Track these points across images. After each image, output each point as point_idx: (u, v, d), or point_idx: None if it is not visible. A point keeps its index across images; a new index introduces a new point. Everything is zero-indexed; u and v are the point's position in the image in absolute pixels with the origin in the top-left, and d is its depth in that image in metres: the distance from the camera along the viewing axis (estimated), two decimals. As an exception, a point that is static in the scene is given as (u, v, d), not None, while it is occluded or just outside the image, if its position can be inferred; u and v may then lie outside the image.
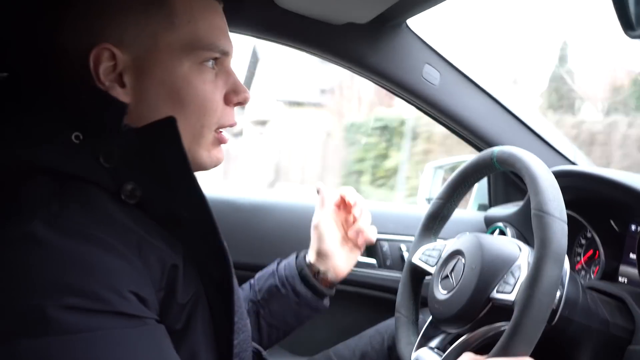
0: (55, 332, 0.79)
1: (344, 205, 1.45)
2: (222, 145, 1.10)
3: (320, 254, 1.42)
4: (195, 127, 1.03)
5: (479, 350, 1.15)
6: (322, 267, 1.42)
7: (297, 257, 1.47)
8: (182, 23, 1.00)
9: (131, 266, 0.87)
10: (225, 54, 1.06)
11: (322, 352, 1.54)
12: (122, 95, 0.97)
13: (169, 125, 0.94)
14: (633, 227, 1.44)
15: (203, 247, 0.98)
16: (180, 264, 0.95)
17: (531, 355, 1.03)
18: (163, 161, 0.95)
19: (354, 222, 1.44)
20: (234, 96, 1.09)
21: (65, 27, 0.97)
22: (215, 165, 1.09)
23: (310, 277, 1.41)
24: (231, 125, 1.10)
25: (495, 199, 2.14)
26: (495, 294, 1.13)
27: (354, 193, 1.43)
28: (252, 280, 1.49)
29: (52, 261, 0.82)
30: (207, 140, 1.05)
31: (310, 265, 1.43)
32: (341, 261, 1.43)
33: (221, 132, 1.09)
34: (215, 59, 1.04)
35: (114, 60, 0.96)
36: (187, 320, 0.95)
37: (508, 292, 1.11)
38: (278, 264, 1.48)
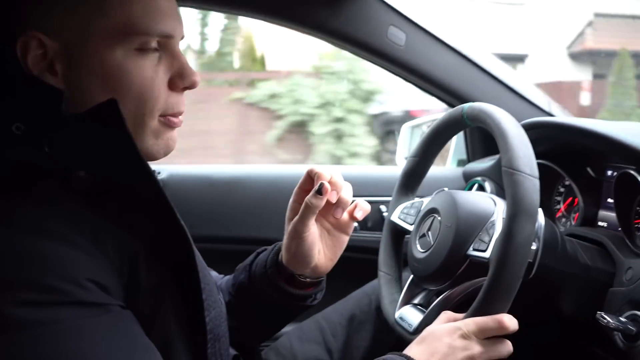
0: (15, 329, 0.79)
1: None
2: (173, 129, 1.03)
3: (296, 258, 1.26)
4: (135, 115, 0.96)
5: (461, 305, 1.16)
6: (298, 270, 1.28)
7: (271, 252, 1.33)
8: (114, 7, 0.94)
9: (87, 255, 0.86)
10: (167, 36, 0.99)
11: (310, 317, 1.55)
12: (53, 83, 0.93)
13: (110, 108, 0.90)
14: (609, 173, 1.46)
15: (161, 228, 0.96)
16: (141, 248, 0.93)
17: (516, 304, 1.05)
18: (109, 145, 0.92)
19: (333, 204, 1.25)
20: (180, 81, 1.01)
21: None
22: (164, 153, 1.03)
23: (277, 279, 1.28)
24: (177, 113, 1.03)
25: (473, 154, 2.14)
26: (471, 251, 1.15)
27: (326, 170, 1.23)
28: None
29: (4, 258, 0.82)
30: (150, 129, 0.99)
31: (283, 267, 1.29)
32: (323, 258, 1.29)
33: (168, 118, 1.02)
34: (158, 42, 0.98)
35: (43, 48, 0.92)
36: (155, 303, 0.94)
37: (483, 249, 1.12)
38: (257, 255, 1.37)
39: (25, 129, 0.90)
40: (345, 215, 1.28)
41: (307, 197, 1.20)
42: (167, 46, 1.00)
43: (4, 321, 0.79)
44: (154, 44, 0.97)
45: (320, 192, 1.19)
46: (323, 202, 1.20)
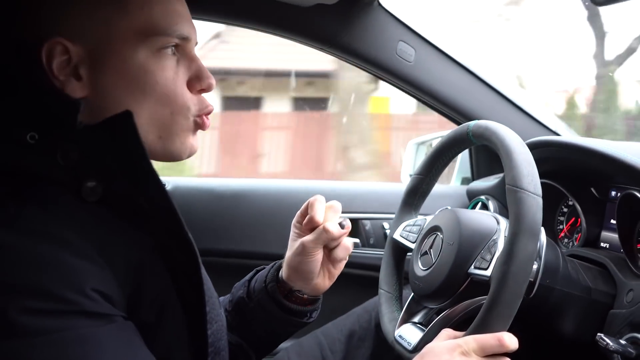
0: (18, 336, 0.79)
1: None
2: (197, 132, 1.06)
3: (298, 273, 1.29)
4: (163, 115, 0.99)
5: (461, 324, 1.16)
6: (297, 286, 1.31)
7: (271, 268, 1.35)
8: (136, 9, 0.96)
9: (94, 265, 0.86)
10: (185, 39, 1.02)
11: (309, 333, 1.54)
12: (78, 88, 0.94)
13: (125, 120, 0.91)
14: (613, 193, 1.45)
15: (168, 239, 0.96)
16: (147, 259, 0.93)
17: (514, 325, 1.04)
18: (122, 156, 0.92)
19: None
20: (197, 83, 1.04)
21: (18, 22, 0.94)
22: (189, 155, 1.06)
23: (277, 294, 1.30)
24: (208, 112, 1.06)
25: (478, 172, 2.14)
26: (473, 270, 1.14)
27: (322, 202, 1.28)
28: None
29: (11, 263, 0.82)
30: (181, 128, 1.02)
31: (282, 282, 1.31)
32: (321, 277, 1.31)
33: (202, 117, 1.05)
34: (176, 45, 1.01)
35: (68, 54, 0.93)
36: (158, 314, 0.94)
37: (485, 268, 1.11)
38: (256, 272, 1.39)
39: (39, 138, 0.90)
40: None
41: (329, 224, 1.24)
42: (184, 49, 1.03)
43: (9, 327, 0.79)
44: (172, 47, 1.00)
45: (342, 226, 1.25)
46: (340, 235, 1.25)
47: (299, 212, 1.31)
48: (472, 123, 1.24)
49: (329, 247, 1.29)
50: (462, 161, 2.27)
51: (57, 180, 0.91)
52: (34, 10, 0.94)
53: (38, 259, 0.83)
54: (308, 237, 1.26)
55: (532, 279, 1.16)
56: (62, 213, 0.88)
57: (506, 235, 1.09)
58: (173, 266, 0.97)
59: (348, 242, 1.30)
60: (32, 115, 0.92)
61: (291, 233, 1.32)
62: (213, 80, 1.05)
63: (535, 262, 1.15)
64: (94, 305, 0.84)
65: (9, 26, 0.95)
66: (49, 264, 0.83)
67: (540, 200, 1.05)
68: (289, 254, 1.30)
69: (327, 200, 1.28)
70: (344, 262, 1.33)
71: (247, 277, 1.38)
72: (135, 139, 0.91)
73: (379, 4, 1.76)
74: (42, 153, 0.91)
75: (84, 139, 0.92)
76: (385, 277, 1.38)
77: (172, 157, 1.04)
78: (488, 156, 2.10)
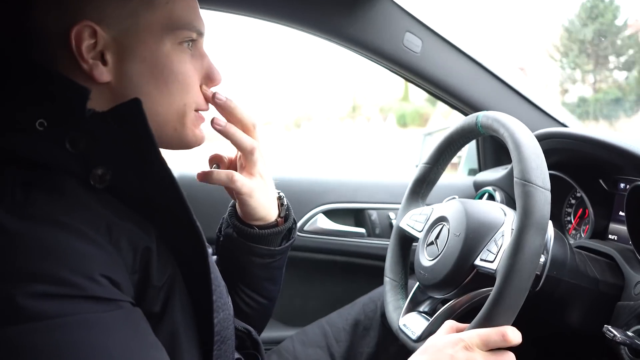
0: (26, 320, 0.79)
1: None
2: (202, 124, 1.09)
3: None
4: (179, 105, 1.03)
5: (466, 314, 1.16)
6: (247, 218, 1.29)
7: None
8: (161, 3, 0.99)
9: (102, 250, 0.86)
10: (201, 34, 1.06)
11: (314, 322, 1.54)
12: (104, 73, 0.96)
13: (134, 107, 0.92)
14: (622, 185, 1.44)
15: (175, 227, 0.97)
16: (154, 246, 0.93)
17: (521, 317, 1.04)
18: (131, 144, 0.93)
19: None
20: (210, 81, 1.09)
21: (44, 5, 0.94)
22: (199, 144, 1.09)
23: (234, 219, 1.31)
24: (204, 109, 1.09)
25: (485, 163, 2.14)
26: (478, 262, 1.14)
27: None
28: None
29: (20, 249, 0.82)
30: (190, 119, 1.05)
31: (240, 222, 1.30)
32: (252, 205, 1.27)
33: (199, 112, 1.08)
34: (192, 40, 1.04)
35: (94, 39, 0.95)
36: (164, 302, 0.95)
37: (490, 260, 1.11)
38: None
39: (48, 125, 0.91)
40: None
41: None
42: (197, 45, 1.07)
43: (18, 312, 0.79)
44: (190, 41, 1.04)
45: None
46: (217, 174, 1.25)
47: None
48: (480, 114, 1.23)
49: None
50: (469, 152, 2.26)
51: (65, 168, 0.91)
52: None
53: (46, 245, 0.83)
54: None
55: (538, 272, 1.16)
56: (70, 200, 0.88)
57: (513, 227, 1.08)
58: (180, 254, 0.98)
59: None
60: (41, 102, 0.92)
61: None
62: (221, 78, 1.10)
63: (542, 255, 1.14)
64: (101, 290, 0.84)
65: (37, 9, 0.94)
66: (57, 249, 0.83)
67: (548, 194, 1.04)
68: None
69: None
70: (254, 155, 1.26)
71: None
72: (144, 126, 0.92)
73: (386, -5, 1.75)
74: (50, 140, 0.91)
75: (93, 126, 0.92)
76: (390, 265, 1.38)
77: (187, 146, 1.08)
78: (495, 147, 2.10)
